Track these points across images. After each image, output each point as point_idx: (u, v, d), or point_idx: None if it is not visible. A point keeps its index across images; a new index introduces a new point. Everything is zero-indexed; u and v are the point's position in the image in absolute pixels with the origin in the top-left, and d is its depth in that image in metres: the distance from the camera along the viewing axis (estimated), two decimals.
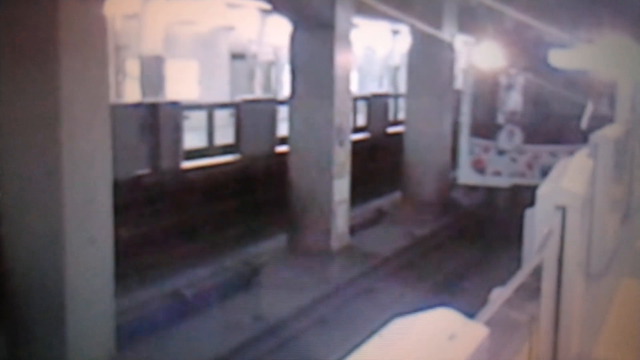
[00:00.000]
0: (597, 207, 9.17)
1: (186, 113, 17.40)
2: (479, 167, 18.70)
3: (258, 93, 31.50)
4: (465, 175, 19.00)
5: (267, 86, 33.68)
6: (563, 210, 6.25)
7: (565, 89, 18.34)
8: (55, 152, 9.66)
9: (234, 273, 14.34)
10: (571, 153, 14.96)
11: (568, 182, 6.74)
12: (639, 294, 9.41)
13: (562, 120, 18.67)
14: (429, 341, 3.18)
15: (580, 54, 17.93)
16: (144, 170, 15.42)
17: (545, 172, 16.09)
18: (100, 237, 10.17)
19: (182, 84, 27.97)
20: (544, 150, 18.21)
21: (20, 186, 9.91)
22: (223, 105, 21.18)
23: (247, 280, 14.16)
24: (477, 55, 19.22)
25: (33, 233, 9.85)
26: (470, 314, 3.84)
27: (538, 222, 6.60)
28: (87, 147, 9.96)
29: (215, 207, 16.52)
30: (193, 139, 17.99)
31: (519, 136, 18.44)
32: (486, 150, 18.68)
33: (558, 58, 18.28)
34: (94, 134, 10.06)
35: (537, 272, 5.60)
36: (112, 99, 15.93)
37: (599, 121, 15.78)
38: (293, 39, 16.31)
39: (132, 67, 26.47)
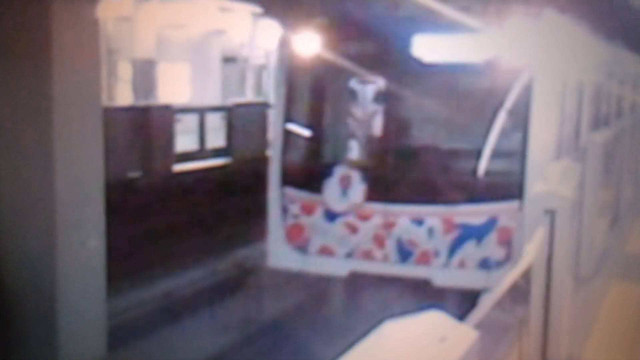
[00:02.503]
0: (586, 210, 9.23)
1: (178, 116, 17.40)
2: (298, 241, 10.96)
3: (250, 96, 31.51)
4: (278, 253, 11.14)
5: (258, 90, 33.70)
6: (552, 213, 6.31)
7: (446, 104, 11.04)
8: (48, 155, 9.66)
9: (225, 275, 14.35)
10: (452, 222, 9.97)
11: (557, 186, 6.79)
12: (628, 297, 9.46)
13: (439, 159, 10.93)
14: (419, 343, 3.22)
15: (474, 42, 10.25)
16: (136, 173, 15.42)
17: (405, 253, 10.23)
18: (93, 239, 10.17)
19: (174, 87, 27.96)
20: (403, 213, 10.37)
21: (13, 188, 9.90)
22: (215, 109, 21.17)
23: (238, 282, 14.17)
24: (297, 44, 11.16)
25: (26, 234, 9.84)
26: (461, 317, 3.88)
27: (527, 226, 6.65)
28: (79, 149, 9.95)
29: (207, 209, 16.52)
30: (185, 142, 17.99)
31: (358, 187, 10.49)
32: (309, 210, 10.88)
33: (431, 48, 10.63)
34: (86, 136, 10.06)
35: (527, 276, 5.65)
36: (104, 102, 15.89)
37: (508, 161, 10.32)
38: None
39: (124, 70, 26.45)
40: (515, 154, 10.09)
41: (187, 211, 15.72)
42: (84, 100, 10.01)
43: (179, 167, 16.68)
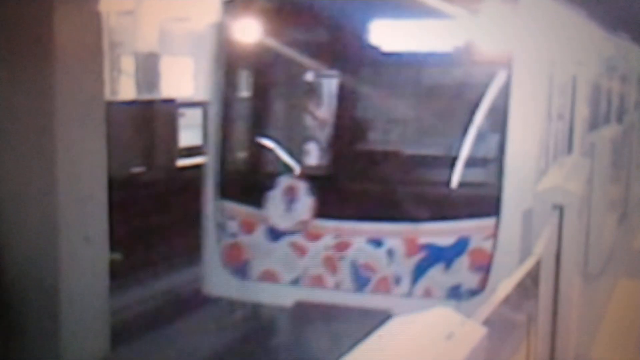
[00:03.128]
0: (595, 206, 9.17)
1: (181, 110, 17.34)
2: (236, 264, 9.47)
3: None
4: (215, 278, 9.66)
5: None
6: (561, 209, 6.25)
7: (410, 102, 9.81)
8: (50, 150, 9.60)
9: None
10: (415, 243, 8.53)
11: (565, 181, 6.74)
12: (636, 294, 9.41)
13: (400, 167, 9.39)
14: (427, 340, 3.17)
15: (443, 28, 8.76)
16: (139, 168, 15.38)
17: (361, 279, 8.83)
18: (95, 235, 10.11)
19: (178, 81, 27.93)
20: (358, 232, 8.87)
21: (15, 184, 9.85)
22: None
23: None
24: (236, 29, 9.48)
25: (28, 231, 9.79)
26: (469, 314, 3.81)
27: (535, 222, 6.59)
28: (81, 144, 9.89)
29: None
30: (188, 137, 17.93)
31: (305, 201, 9.01)
32: (249, 228, 9.37)
33: (393, 35, 9.13)
34: (88, 131, 10.00)
35: (535, 272, 5.58)
36: (107, 96, 15.87)
37: (483, 170, 8.90)
38: None
39: (127, 64, 26.42)
40: (492, 161, 8.62)
41: (191, 206, 15.67)
42: (86, 94, 9.95)
43: (182, 162, 16.64)
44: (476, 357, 3.34)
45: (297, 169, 9.58)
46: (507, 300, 4.61)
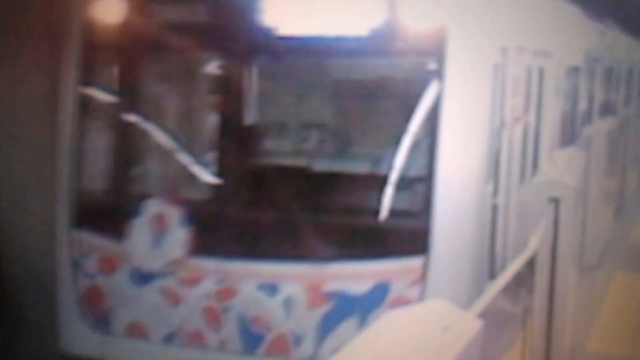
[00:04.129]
0: (591, 199, 9.18)
1: None
2: (96, 313, 7.33)
3: None
4: (72, 332, 7.56)
5: None
6: (556, 202, 6.27)
7: (318, 102, 8.11)
8: (49, 144, 9.59)
9: None
10: (320, 290, 6.46)
11: (561, 174, 6.75)
12: (632, 287, 9.44)
13: (303, 188, 7.12)
14: (423, 333, 3.19)
15: (356, 6, 6.36)
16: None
17: (252, 337, 6.73)
18: None
19: None
20: (247, 275, 6.71)
21: (14, 178, 9.85)
22: None
23: None
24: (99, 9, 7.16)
25: (27, 224, 9.79)
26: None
27: (531, 214, 6.60)
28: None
29: None
30: None
31: (178, 233, 6.85)
32: (110, 267, 7.16)
33: (290, 15, 6.65)
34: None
35: (531, 265, 5.61)
36: None
37: (409, 194, 6.70)
38: None
39: None
40: (420, 182, 6.52)
41: None
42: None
43: None
44: (472, 349, 3.36)
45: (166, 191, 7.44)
46: (503, 293, 4.65)
